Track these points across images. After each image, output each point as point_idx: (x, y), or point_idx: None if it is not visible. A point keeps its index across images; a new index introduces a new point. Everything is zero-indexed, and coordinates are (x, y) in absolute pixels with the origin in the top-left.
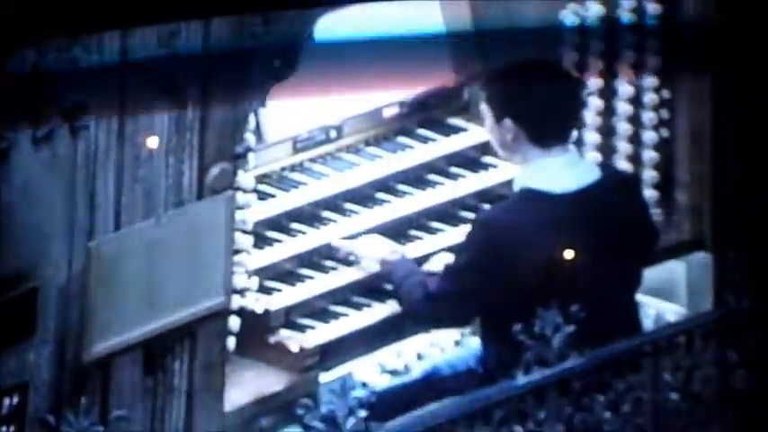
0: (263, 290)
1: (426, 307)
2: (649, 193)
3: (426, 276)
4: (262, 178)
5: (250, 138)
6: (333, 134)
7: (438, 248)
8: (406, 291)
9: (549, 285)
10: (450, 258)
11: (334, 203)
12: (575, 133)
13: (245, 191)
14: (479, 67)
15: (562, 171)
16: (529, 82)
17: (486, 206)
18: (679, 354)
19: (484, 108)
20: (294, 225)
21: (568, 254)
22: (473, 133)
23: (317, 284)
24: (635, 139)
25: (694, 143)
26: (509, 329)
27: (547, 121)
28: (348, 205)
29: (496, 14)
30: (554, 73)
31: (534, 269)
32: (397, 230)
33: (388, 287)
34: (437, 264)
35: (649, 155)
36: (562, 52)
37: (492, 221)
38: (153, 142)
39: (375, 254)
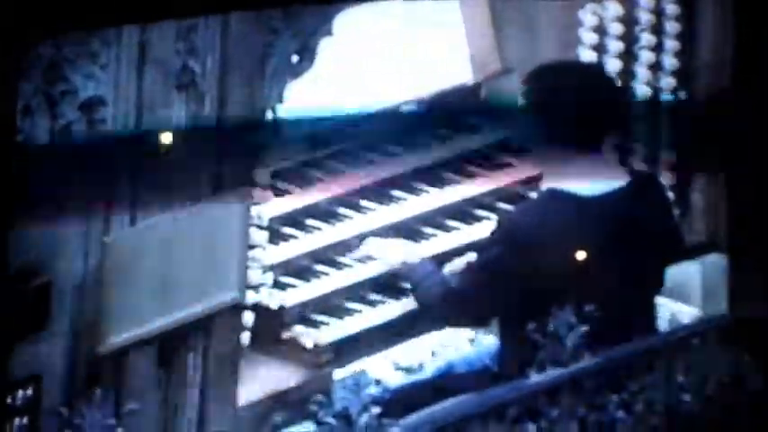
0: (278, 285)
1: (446, 306)
2: None
3: (446, 276)
4: (278, 174)
5: (267, 133)
6: (350, 131)
7: (453, 246)
8: (425, 290)
9: (570, 287)
10: (470, 257)
11: (350, 200)
12: (608, 137)
13: (261, 186)
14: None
15: (590, 174)
16: (563, 83)
17: (503, 205)
18: (693, 355)
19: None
20: (310, 221)
21: (591, 256)
22: (490, 131)
23: (331, 281)
24: (652, 139)
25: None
26: (526, 328)
27: (579, 124)
28: (364, 202)
29: (515, 12)
30: (589, 76)
31: (556, 270)
32: (412, 228)
33: (404, 285)
34: (457, 264)
35: (665, 155)
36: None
37: (516, 221)
38: (167, 138)
39: (394, 256)
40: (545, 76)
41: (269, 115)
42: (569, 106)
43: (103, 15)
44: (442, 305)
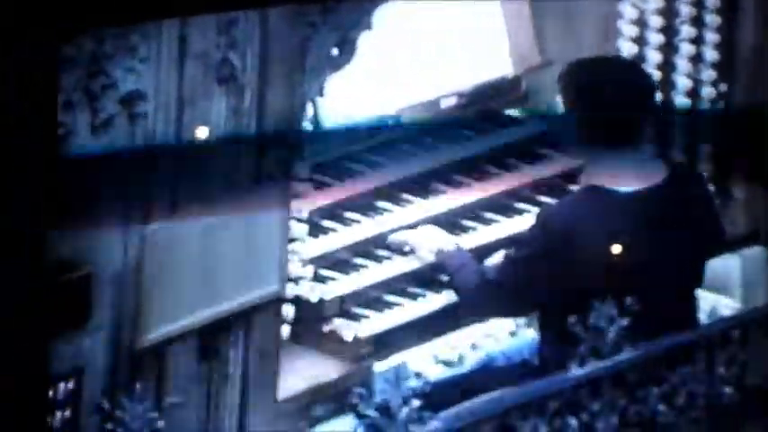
0: (318, 278)
1: (482, 295)
2: None
3: (482, 266)
4: (318, 167)
5: (307, 127)
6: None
7: (492, 239)
8: (461, 279)
9: (610, 282)
10: (508, 250)
11: (390, 193)
12: (647, 132)
13: (301, 180)
14: None
15: (629, 170)
16: (602, 79)
17: (543, 198)
18: (733, 348)
19: (558, 99)
20: (349, 214)
21: (631, 250)
22: (530, 125)
23: (371, 274)
24: (692, 132)
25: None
26: (566, 322)
27: (616, 121)
28: (403, 195)
29: (555, 5)
30: (628, 71)
31: (595, 265)
32: (452, 221)
33: (443, 277)
34: (495, 255)
35: (705, 148)
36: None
37: (556, 216)
38: (203, 132)
39: (430, 244)
40: (582, 71)
41: (309, 109)
42: (608, 101)
43: (143, 10)
44: (477, 294)
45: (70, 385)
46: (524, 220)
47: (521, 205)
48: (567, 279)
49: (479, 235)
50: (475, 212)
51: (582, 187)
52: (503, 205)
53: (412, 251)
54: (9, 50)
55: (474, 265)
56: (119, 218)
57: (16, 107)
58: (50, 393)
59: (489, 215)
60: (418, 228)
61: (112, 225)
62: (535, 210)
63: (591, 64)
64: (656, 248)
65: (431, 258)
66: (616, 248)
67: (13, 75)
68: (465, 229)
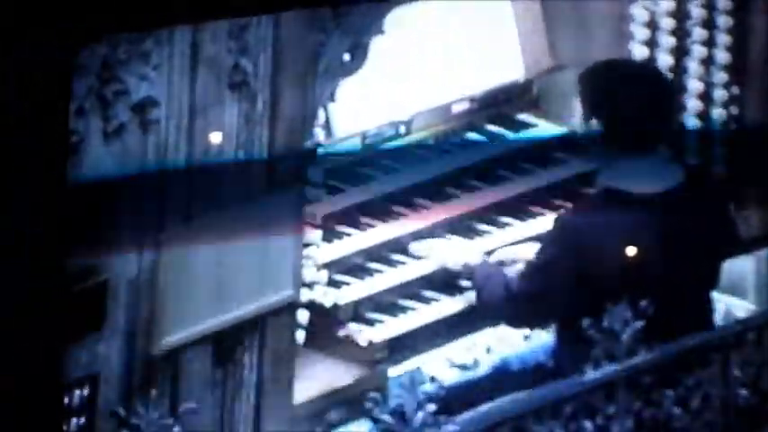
0: (332, 283)
1: (510, 307)
2: None
3: (508, 277)
4: (331, 172)
5: (319, 132)
6: (402, 129)
7: (506, 243)
8: (488, 292)
9: (626, 283)
10: (531, 257)
11: (404, 198)
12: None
13: (314, 185)
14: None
15: (647, 173)
16: (619, 83)
17: (558, 201)
18: (748, 350)
19: (576, 103)
20: (363, 219)
21: (647, 252)
22: (542, 129)
23: (385, 278)
24: (704, 135)
25: (765, 138)
26: (582, 325)
27: (634, 125)
28: (417, 200)
29: (567, 8)
30: (646, 75)
31: (612, 267)
32: (466, 225)
33: (459, 282)
34: (517, 262)
35: (719, 150)
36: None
37: (573, 221)
38: (216, 138)
39: (456, 257)
40: (602, 74)
41: (321, 114)
42: (625, 104)
43: (156, 15)
44: (505, 306)
45: (85, 391)
46: (539, 224)
47: (534, 209)
48: (584, 282)
49: (494, 239)
50: (490, 216)
51: (598, 190)
52: (516, 209)
53: (435, 262)
54: (9, 51)
55: (500, 277)
56: (134, 226)
57: (17, 108)
58: (66, 399)
59: (504, 219)
60: (439, 239)
61: (128, 233)
62: (550, 213)
63: (612, 67)
64: (672, 251)
65: (455, 270)
66: (632, 251)
67: (13, 75)
68: (479, 233)
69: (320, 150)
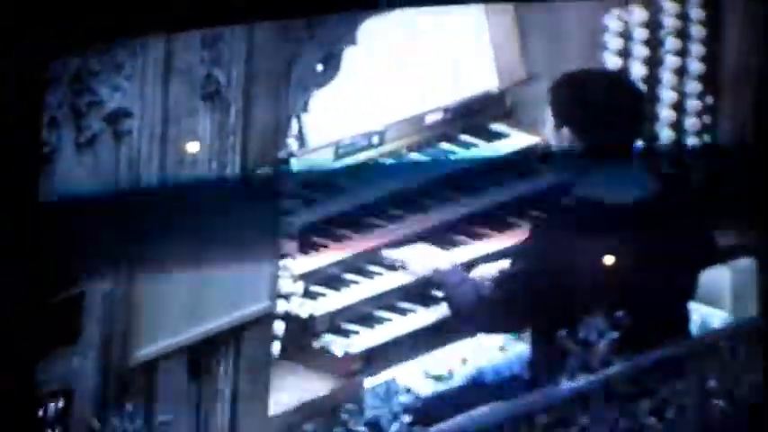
0: (308, 295)
1: (480, 314)
2: None
3: (479, 283)
4: (305, 183)
5: (292, 143)
6: (375, 140)
7: (482, 253)
8: (459, 298)
9: (603, 295)
10: (503, 266)
11: (379, 208)
12: (637, 143)
13: (289, 196)
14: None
15: (621, 183)
16: (588, 93)
17: (532, 212)
18: (724, 360)
19: (547, 112)
20: (339, 230)
21: (621, 262)
22: (516, 139)
23: (361, 289)
24: (678, 145)
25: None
26: (557, 336)
27: (604, 134)
28: (392, 210)
29: (540, 19)
30: (617, 84)
31: (587, 277)
32: (441, 235)
33: (435, 293)
34: (489, 270)
35: (694, 160)
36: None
37: (548, 231)
38: (193, 147)
39: (426, 263)
40: (573, 84)
41: (294, 125)
42: (598, 114)
43: (128, 26)
44: (475, 312)
45: (60, 404)
46: (515, 235)
47: (509, 219)
48: (559, 292)
49: (469, 249)
50: (463, 227)
51: (573, 200)
52: (491, 219)
53: (407, 269)
54: None
55: (471, 283)
56: (108, 238)
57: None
58: (40, 413)
59: (478, 229)
60: (412, 246)
61: (102, 246)
62: (526, 224)
63: (584, 77)
64: (647, 261)
65: (426, 276)
66: (606, 261)
67: None
68: (454, 244)
69: (294, 161)
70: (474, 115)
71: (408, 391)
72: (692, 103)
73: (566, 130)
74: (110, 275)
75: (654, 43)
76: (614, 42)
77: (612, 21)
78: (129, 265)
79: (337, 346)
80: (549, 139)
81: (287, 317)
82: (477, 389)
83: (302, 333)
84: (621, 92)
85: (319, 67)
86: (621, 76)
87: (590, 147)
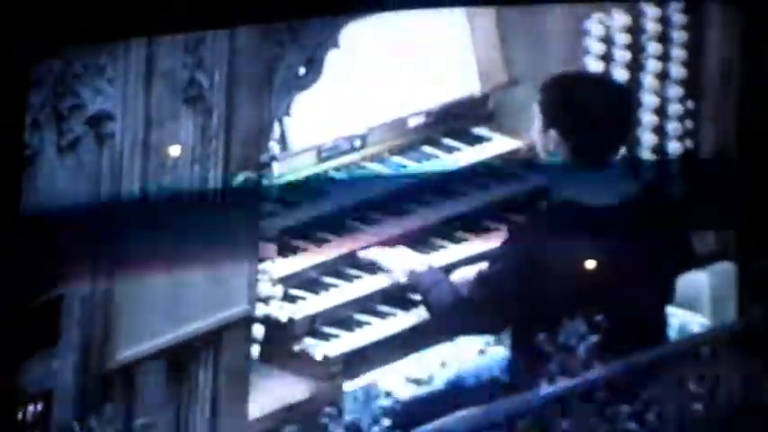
0: (288, 298)
1: (456, 314)
2: None
3: (455, 284)
4: (286, 187)
5: (275, 146)
6: (357, 143)
7: (463, 257)
8: (435, 298)
9: (581, 297)
10: (481, 267)
11: (359, 212)
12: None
13: (269, 199)
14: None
15: (601, 185)
16: (579, 95)
17: (514, 216)
18: (703, 364)
19: (534, 112)
20: (319, 233)
21: (601, 266)
22: (498, 142)
23: (341, 293)
24: (659, 150)
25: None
26: (537, 339)
27: (592, 137)
28: (373, 214)
29: (523, 23)
30: (606, 88)
31: (567, 281)
32: (422, 239)
33: (414, 296)
34: (467, 272)
35: (675, 164)
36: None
37: (527, 231)
38: (175, 150)
39: (402, 264)
40: (562, 85)
41: (276, 128)
42: (581, 118)
43: (110, 28)
44: (451, 313)
45: (39, 407)
46: (496, 239)
47: (490, 223)
48: (537, 295)
49: (449, 253)
50: (444, 230)
51: (554, 201)
52: (472, 223)
53: (383, 270)
54: None
55: (447, 284)
56: (88, 241)
57: None
58: (19, 415)
59: (459, 233)
60: (388, 249)
61: (82, 248)
62: (506, 227)
63: (574, 79)
64: (627, 264)
65: (403, 278)
66: (586, 264)
67: None
68: (435, 248)
69: (276, 165)
70: (456, 119)
71: (388, 394)
72: (674, 108)
73: (552, 132)
74: (89, 278)
75: (635, 48)
76: (596, 47)
77: (594, 25)
78: (109, 267)
79: (317, 349)
80: (536, 140)
81: (266, 320)
82: (457, 392)
83: (281, 336)
84: (610, 95)
85: (302, 71)
86: (611, 79)
87: (575, 148)
